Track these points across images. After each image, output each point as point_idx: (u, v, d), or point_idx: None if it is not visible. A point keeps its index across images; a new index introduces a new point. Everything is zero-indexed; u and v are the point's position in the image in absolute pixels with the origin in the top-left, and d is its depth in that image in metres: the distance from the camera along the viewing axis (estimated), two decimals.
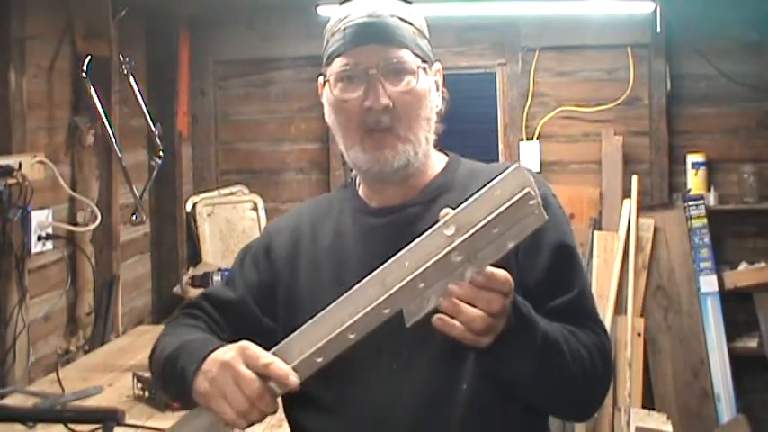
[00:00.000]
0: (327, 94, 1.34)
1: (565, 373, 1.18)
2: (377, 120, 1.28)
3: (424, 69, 1.32)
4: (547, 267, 1.25)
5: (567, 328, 1.22)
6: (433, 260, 1.03)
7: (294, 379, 1.12)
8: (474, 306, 1.04)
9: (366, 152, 1.30)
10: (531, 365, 1.14)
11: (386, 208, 1.36)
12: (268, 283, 1.39)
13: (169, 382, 1.28)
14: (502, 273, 1.05)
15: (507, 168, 1.02)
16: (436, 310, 1.05)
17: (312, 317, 1.14)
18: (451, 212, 1.04)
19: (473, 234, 1.01)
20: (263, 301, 1.38)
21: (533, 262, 1.25)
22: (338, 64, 1.30)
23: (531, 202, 1.00)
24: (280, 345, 1.15)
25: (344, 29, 1.30)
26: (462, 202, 1.04)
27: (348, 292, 1.10)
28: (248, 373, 1.12)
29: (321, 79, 1.37)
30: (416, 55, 1.31)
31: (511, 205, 1.00)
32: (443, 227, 1.04)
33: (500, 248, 1.02)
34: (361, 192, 1.40)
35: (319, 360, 1.12)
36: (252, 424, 1.16)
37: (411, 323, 1.06)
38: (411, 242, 1.06)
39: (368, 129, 1.29)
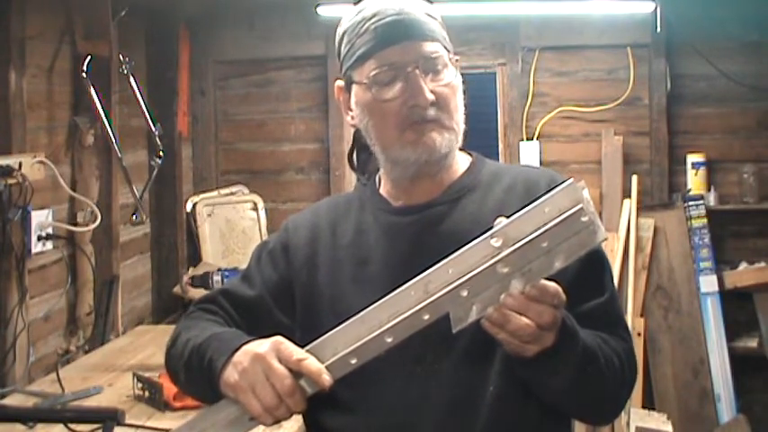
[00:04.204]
0: (359, 97, 1.31)
1: (598, 383, 1.19)
2: (422, 115, 1.26)
3: (452, 61, 1.31)
4: (578, 271, 1.23)
5: (600, 335, 1.22)
6: (477, 270, 1.03)
7: (327, 378, 1.11)
8: (524, 316, 1.04)
9: (407, 145, 1.28)
10: (570, 377, 1.14)
11: (410, 207, 1.34)
12: (286, 280, 1.37)
13: (194, 373, 1.25)
14: (553, 285, 1.05)
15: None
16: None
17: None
18: (501, 224, 1.04)
19: (520, 247, 1.01)
20: (281, 299, 1.36)
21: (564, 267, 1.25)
22: (372, 65, 1.27)
23: (583, 219, 1.00)
24: (314, 343, 1.13)
25: (374, 28, 1.27)
26: (512, 214, 1.04)
27: (389, 295, 1.09)
28: (280, 368, 1.11)
29: (341, 83, 1.35)
30: (445, 48, 1.30)
31: (561, 221, 1.00)
32: (490, 238, 1.03)
33: (552, 263, 1.02)
34: (382, 190, 1.39)
35: (354, 361, 1.11)
36: (278, 421, 1.14)
37: (457, 329, 1.06)
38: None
39: (410, 123, 1.27)
